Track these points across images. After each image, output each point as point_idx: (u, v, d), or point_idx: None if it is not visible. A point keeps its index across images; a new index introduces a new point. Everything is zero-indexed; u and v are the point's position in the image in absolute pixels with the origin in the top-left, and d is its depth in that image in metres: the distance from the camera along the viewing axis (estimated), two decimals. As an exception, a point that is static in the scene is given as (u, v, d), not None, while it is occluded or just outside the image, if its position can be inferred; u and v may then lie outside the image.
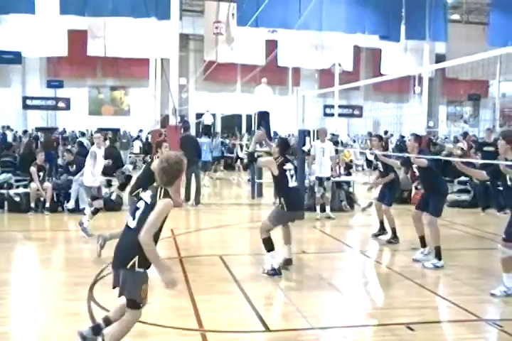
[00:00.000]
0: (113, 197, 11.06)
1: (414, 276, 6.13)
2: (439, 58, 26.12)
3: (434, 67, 25.45)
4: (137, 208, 3.78)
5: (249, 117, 16.75)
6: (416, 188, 12.67)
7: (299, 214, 6.58)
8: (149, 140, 23.96)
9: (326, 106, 29.89)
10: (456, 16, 28.88)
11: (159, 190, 3.72)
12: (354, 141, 28.00)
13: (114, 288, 3.80)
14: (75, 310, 4.97)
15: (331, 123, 23.41)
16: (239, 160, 20.83)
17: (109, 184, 11.70)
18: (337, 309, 5.28)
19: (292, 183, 6.44)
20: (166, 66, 15.54)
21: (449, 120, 34.28)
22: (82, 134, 24.63)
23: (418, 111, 28.29)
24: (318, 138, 10.73)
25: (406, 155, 7.22)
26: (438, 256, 6.54)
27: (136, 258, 3.64)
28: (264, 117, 13.66)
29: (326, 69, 25.96)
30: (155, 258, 3.65)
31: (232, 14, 24.90)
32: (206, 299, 5.27)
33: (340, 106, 22.59)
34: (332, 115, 21.79)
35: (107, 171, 11.09)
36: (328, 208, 10.43)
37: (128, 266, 3.65)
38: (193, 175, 12.22)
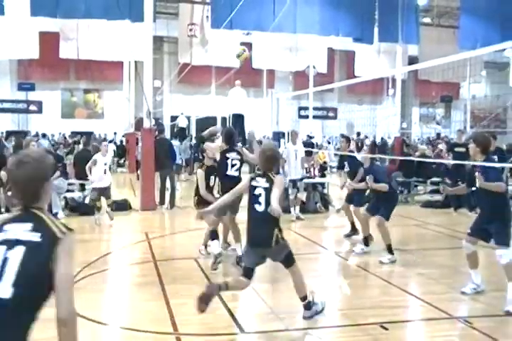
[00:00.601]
0: (86, 200, 10.95)
1: (387, 276, 6.22)
2: (412, 60, 26.48)
3: (407, 69, 25.79)
4: (257, 195, 4.56)
5: (224, 119, 16.74)
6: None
7: None
8: (123, 143, 23.79)
9: (300, 108, 30.07)
10: (427, 19, 29.30)
11: (267, 175, 4.61)
12: (329, 143, 28.21)
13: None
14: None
15: (305, 125, 23.55)
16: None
17: (82, 188, 11.57)
18: (312, 310, 5.31)
19: (231, 172, 6.81)
20: (140, 69, 15.45)
21: (422, 121, 34.77)
22: (43, 136, 24.22)
23: (391, 113, 28.66)
24: (290, 140, 10.79)
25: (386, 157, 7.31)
26: (390, 251, 7.03)
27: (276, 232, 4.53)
28: (238, 120, 13.67)
29: (301, 71, 26.10)
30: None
31: (207, 16, 24.85)
32: (182, 302, 5.26)
33: (314, 108, 22.71)
34: (306, 117, 21.91)
35: (80, 175, 11.01)
36: (297, 209, 10.51)
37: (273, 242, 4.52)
38: (168, 178, 12.16)
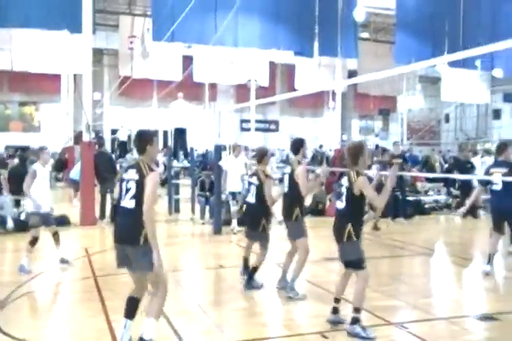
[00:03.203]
0: (22, 217, 10.58)
1: (327, 286, 6.31)
2: (351, 74, 27.19)
3: (346, 83, 26.50)
4: (341, 194, 4.87)
5: (165, 133, 16.65)
6: (330, 200, 13.09)
7: None
8: (61, 157, 23.16)
9: (242, 121, 30.25)
10: (365, 34, 30.21)
11: (352, 173, 4.81)
12: (272, 155, 28.47)
13: None
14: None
15: (247, 138, 23.71)
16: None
17: (17, 203, 11.18)
18: (254, 321, 5.34)
19: None
20: (79, 81, 15.18)
21: (361, 133, 35.65)
22: None
23: (332, 126, 29.32)
24: (232, 153, 10.87)
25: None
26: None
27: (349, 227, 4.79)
28: (180, 133, 13.65)
29: (242, 84, 26.34)
30: None
31: (148, 29, 24.74)
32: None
33: (256, 121, 22.95)
34: (249, 130, 22.08)
35: (15, 190, 10.64)
36: (234, 222, 10.54)
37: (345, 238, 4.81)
38: (109, 191, 11.95)
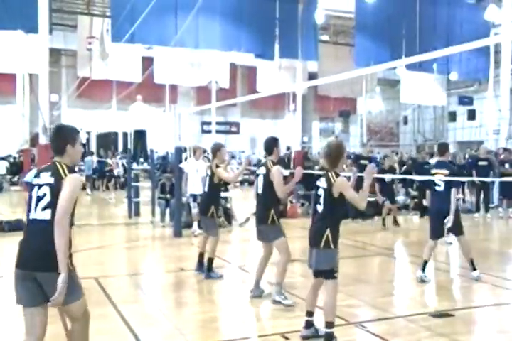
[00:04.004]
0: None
1: (289, 287, 6.33)
2: (312, 76, 27.42)
3: (307, 85, 26.73)
4: (320, 195, 4.61)
5: (125, 135, 16.45)
6: (291, 202, 13.17)
7: None
8: (17, 160, 22.64)
9: (203, 123, 30.17)
10: (325, 37, 30.53)
11: (330, 174, 4.53)
12: (233, 157, 28.46)
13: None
14: None
15: (208, 140, 23.63)
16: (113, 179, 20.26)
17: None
18: (217, 324, 5.33)
19: None
20: (35, 82, 14.83)
21: (322, 135, 36.00)
22: None
23: (293, 127, 29.51)
24: (193, 156, 10.80)
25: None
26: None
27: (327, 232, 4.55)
28: (140, 135, 13.51)
29: (203, 86, 26.25)
30: None
31: (107, 30, 24.40)
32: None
33: (217, 123, 22.90)
34: (209, 132, 22.03)
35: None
36: (195, 224, 10.49)
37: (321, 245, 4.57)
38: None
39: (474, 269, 6.89)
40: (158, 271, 7.87)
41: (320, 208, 4.65)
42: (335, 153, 4.60)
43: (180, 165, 10.51)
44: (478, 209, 14.24)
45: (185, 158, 12.61)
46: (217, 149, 7.37)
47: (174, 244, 9.88)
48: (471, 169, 14.18)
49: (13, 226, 10.60)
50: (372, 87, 33.25)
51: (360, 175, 4.98)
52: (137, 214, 13.30)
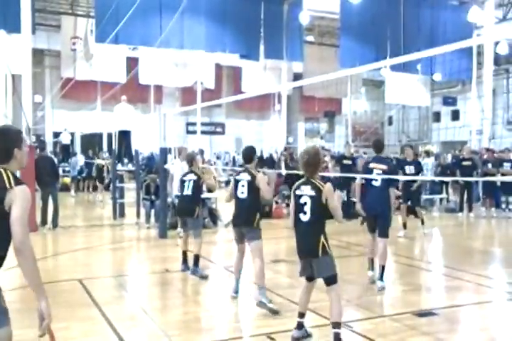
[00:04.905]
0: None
1: (275, 288, 6.35)
2: (297, 77, 27.52)
3: (292, 86, 26.82)
4: (304, 204, 4.51)
5: (110, 136, 16.35)
6: (276, 202, 13.18)
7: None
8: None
9: (188, 124, 30.12)
10: (310, 38, 30.62)
11: (316, 181, 4.51)
12: (218, 158, 28.46)
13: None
14: None
15: (193, 141, 23.57)
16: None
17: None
18: (203, 325, 5.32)
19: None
20: (17, 82, 14.69)
21: (307, 136, 36.10)
22: None
23: (278, 128, 29.55)
24: (179, 157, 10.78)
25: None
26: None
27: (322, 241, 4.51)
28: (125, 136, 13.44)
29: (188, 87, 26.20)
30: None
31: (91, 30, 24.26)
32: (63, 327, 5.00)
33: (202, 124, 22.82)
34: (195, 132, 21.97)
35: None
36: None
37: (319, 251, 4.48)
38: (51, 196, 11.62)
39: (381, 278, 6.59)
40: (143, 272, 7.84)
41: (306, 217, 4.53)
42: (314, 161, 4.56)
43: (166, 166, 10.47)
44: (461, 209, 14.37)
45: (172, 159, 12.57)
46: (192, 158, 7.89)
47: (159, 245, 9.85)
48: (454, 169, 14.31)
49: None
50: (357, 87, 33.44)
51: (344, 175, 5.01)
52: (122, 215, 13.24)
